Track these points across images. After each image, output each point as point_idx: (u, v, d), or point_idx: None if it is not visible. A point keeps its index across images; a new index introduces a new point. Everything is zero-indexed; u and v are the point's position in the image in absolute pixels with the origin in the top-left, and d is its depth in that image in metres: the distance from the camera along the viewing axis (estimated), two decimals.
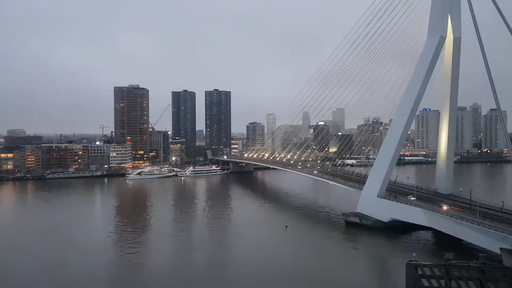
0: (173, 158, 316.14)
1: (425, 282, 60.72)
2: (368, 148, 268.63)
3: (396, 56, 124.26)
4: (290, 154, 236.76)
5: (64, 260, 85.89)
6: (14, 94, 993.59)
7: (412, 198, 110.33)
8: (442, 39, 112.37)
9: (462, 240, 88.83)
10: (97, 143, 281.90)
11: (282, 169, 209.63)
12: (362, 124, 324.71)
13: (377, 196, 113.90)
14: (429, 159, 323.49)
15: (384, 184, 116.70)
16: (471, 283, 59.28)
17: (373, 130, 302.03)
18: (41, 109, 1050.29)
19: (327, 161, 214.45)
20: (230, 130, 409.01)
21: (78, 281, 74.26)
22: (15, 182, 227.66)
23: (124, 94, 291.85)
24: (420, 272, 61.21)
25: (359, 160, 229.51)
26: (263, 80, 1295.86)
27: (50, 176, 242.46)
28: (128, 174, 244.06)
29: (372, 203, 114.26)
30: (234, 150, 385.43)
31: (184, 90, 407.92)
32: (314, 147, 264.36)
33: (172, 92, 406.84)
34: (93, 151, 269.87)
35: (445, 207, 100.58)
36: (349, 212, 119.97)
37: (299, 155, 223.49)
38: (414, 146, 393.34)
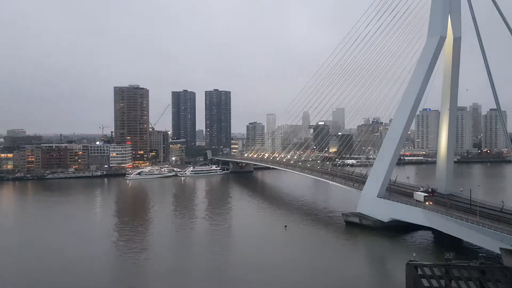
0: (173, 158, 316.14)
1: (425, 282, 60.68)
2: (368, 148, 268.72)
3: (396, 56, 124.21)
4: (290, 154, 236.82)
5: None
6: (14, 94, 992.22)
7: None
8: (442, 39, 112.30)
9: (462, 240, 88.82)
10: (97, 143, 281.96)
11: (282, 169, 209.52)
12: (362, 124, 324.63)
13: (377, 196, 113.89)
14: (429, 159, 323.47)
15: (384, 184, 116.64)
16: (471, 283, 59.24)
17: (373, 130, 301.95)
18: (41, 109, 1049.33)
19: (327, 161, 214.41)
20: (230, 130, 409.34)
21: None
22: (15, 182, 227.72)
23: (124, 94, 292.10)
24: (420, 272, 61.16)
25: (359, 160, 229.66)
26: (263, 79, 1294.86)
27: (50, 176, 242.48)
28: (128, 174, 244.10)
29: (372, 203, 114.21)
30: (234, 150, 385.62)
31: (184, 90, 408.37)
32: (314, 147, 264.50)
33: (172, 92, 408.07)
34: (93, 151, 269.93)
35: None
36: (349, 212, 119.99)
37: (299, 155, 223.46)
38: (414, 146, 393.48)
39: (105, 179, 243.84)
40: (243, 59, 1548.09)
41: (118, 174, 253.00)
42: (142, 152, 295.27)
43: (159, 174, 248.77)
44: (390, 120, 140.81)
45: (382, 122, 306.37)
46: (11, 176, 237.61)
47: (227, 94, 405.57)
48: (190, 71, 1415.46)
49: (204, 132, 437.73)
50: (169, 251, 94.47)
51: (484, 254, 66.49)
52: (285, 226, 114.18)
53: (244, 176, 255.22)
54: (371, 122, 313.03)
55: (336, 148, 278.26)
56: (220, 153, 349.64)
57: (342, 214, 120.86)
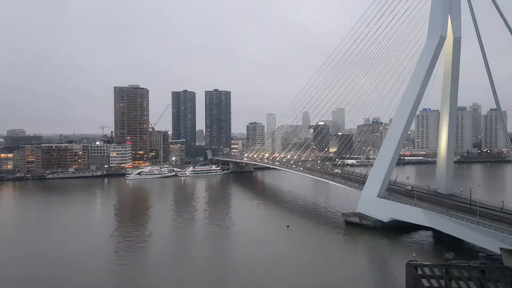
0: (173, 158, 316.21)
1: (425, 282, 60.74)
2: (368, 148, 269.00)
3: (396, 56, 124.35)
4: (290, 154, 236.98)
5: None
6: (14, 94, 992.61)
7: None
8: (442, 39, 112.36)
9: (462, 240, 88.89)
10: (97, 143, 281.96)
11: (282, 169, 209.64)
12: (362, 124, 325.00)
13: (377, 196, 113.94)
14: (429, 159, 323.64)
15: (384, 184, 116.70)
16: (471, 283, 59.28)
17: (373, 130, 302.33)
18: (41, 109, 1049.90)
19: (327, 161, 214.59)
20: (230, 130, 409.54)
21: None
22: (15, 182, 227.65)
23: (124, 94, 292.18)
24: (420, 272, 61.21)
25: (359, 160, 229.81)
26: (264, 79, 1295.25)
27: (50, 176, 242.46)
28: (128, 174, 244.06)
29: (372, 203, 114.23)
30: (234, 150, 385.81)
31: (184, 90, 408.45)
32: (314, 147, 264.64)
33: (172, 92, 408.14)
34: (93, 151, 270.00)
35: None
36: (349, 212, 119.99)
37: (299, 155, 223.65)
38: (414, 146, 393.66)
39: (105, 179, 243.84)
40: (243, 57, 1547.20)
41: (118, 174, 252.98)
42: (142, 152, 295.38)
43: (159, 174, 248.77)
44: (390, 120, 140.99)
45: (382, 122, 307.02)
46: (11, 176, 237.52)
47: (227, 94, 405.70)
48: (190, 70, 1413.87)
49: (204, 132, 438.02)
50: (170, 251, 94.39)
51: (484, 254, 66.47)
52: (287, 226, 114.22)
53: (244, 176, 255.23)
54: (371, 122, 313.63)
55: (336, 148, 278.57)
56: (220, 153, 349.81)
57: (342, 214, 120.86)
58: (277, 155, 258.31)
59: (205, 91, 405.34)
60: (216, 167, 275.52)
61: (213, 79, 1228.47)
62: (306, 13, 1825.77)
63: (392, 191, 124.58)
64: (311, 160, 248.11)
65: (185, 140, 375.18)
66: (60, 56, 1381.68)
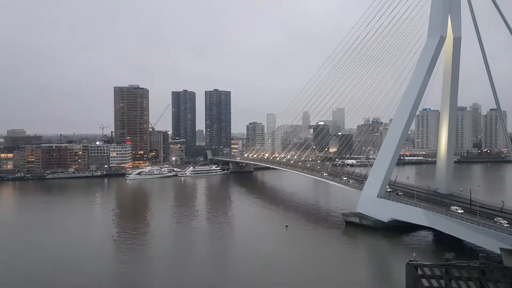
0: (173, 158, 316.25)
1: (425, 282, 60.70)
2: (368, 148, 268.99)
3: (396, 56, 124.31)
4: (290, 154, 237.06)
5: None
6: (14, 94, 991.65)
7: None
8: (442, 39, 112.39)
9: (462, 240, 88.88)
10: (97, 143, 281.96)
11: (282, 169, 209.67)
12: (362, 124, 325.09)
13: (377, 196, 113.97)
14: (429, 159, 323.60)
15: (384, 184, 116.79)
16: (471, 283, 59.26)
17: (373, 130, 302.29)
18: (41, 109, 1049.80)
19: (327, 161, 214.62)
20: (230, 130, 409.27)
21: None
22: (15, 182, 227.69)
23: (124, 94, 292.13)
24: (420, 272, 61.19)
25: (359, 160, 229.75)
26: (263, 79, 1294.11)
27: (50, 176, 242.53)
28: (128, 174, 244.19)
29: (372, 203, 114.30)
30: (234, 150, 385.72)
31: (184, 90, 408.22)
32: (314, 147, 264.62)
33: (172, 92, 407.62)
34: (93, 151, 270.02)
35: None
36: (349, 212, 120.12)
37: (299, 155, 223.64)
38: (414, 146, 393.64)
39: (105, 179, 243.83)
40: (243, 56, 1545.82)
41: (118, 174, 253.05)
42: (142, 152, 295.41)
43: (159, 174, 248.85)
44: (390, 120, 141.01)
45: (382, 122, 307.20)
46: (11, 176, 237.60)
47: (227, 94, 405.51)
48: (190, 70, 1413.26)
49: (204, 132, 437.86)
50: (170, 251, 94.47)
51: (484, 254, 66.48)
52: (286, 226, 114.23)
53: (244, 176, 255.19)
54: (371, 122, 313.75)
55: (336, 148, 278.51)
56: (220, 153, 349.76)
57: (342, 214, 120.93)
58: (277, 155, 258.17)
59: (205, 91, 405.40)
60: (216, 167, 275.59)
61: (213, 79, 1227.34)
62: (307, 14, 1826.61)
63: (392, 191, 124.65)
64: (311, 160, 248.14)
65: (185, 140, 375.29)
66: (60, 56, 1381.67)
